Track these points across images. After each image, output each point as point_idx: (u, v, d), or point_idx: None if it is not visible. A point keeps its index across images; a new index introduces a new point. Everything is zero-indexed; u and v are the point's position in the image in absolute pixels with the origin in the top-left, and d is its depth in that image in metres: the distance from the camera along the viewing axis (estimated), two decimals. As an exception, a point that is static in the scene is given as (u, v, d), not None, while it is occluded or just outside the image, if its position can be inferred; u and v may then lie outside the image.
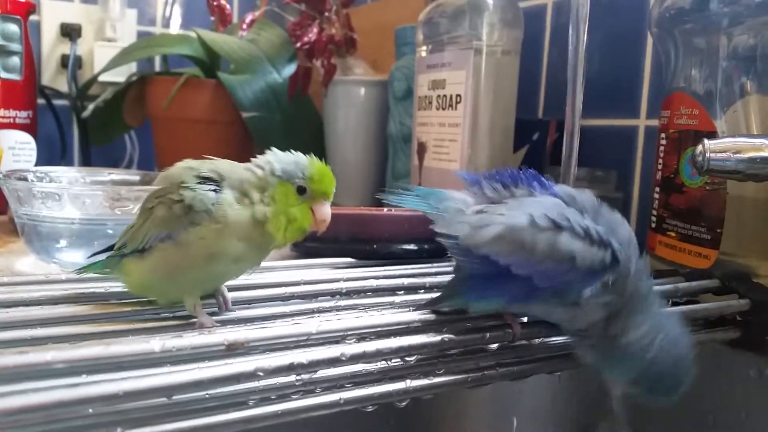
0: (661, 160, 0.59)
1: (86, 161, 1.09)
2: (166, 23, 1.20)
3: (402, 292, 0.47)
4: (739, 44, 0.54)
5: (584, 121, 0.75)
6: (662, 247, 0.58)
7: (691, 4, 0.55)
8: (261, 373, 0.28)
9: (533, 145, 0.78)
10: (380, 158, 0.93)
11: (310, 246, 0.62)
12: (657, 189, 0.60)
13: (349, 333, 0.32)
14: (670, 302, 0.44)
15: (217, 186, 0.34)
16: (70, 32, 1.10)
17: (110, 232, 0.56)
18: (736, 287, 0.45)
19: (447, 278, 0.49)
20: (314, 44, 0.86)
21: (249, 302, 0.42)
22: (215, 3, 0.80)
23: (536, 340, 0.37)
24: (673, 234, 0.57)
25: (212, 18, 0.92)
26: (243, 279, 0.46)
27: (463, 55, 0.69)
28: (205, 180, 0.34)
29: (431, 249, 0.57)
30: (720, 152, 0.46)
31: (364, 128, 0.94)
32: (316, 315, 0.37)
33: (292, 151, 0.36)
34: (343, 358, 0.30)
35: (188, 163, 0.36)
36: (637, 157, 0.70)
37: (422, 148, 0.76)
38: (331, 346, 0.30)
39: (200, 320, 0.34)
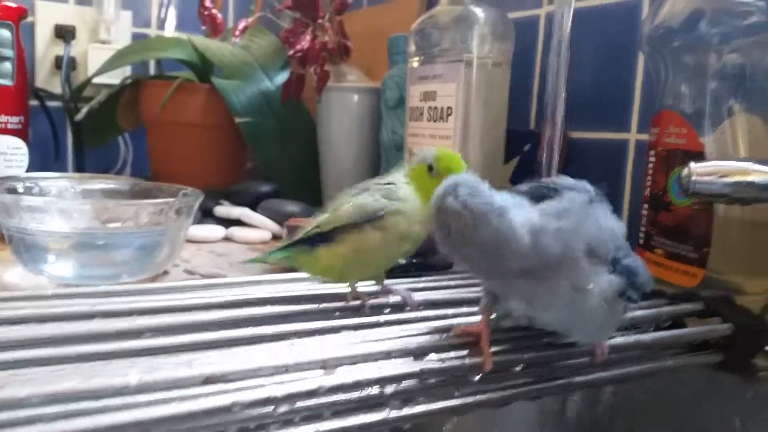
0: (649, 177, 0.60)
1: (80, 163, 1.09)
2: (161, 25, 1.20)
3: (388, 310, 0.47)
4: (728, 64, 0.54)
5: (575, 133, 0.75)
6: (650, 264, 0.58)
7: (681, 23, 0.56)
8: (237, 408, 0.28)
9: (524, 156, 0.78)
10: (374, 165, 0.94)
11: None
12: (645, 206, 0.60)
13: (328, 364, 0.32)
14: (653, 327, 0.44)
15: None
16: (64, 34, 1.10)
17: (100, 243, 0.57)
18: (720, 310, 0.45)
19: (434, 294, 0.49)
20: (307, 52, 0.86)
21: (236, 323, 0.43)
22: (206, 13, 0.80)
23: (516, 368, 0.37)
24: (660, 251, 0.57)
25: (203, 27, 0.91)
26: (231, 296, 0.46)
27: (453, 68, 0.69)
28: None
29: (420, 264, 0.57)
30: (705, 176, 0.46)
31: (358, 135, 0.94)
32: (295, 338, 0.37)
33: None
34: (321, 391, 0.30)
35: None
36: (627, 172, 0.70)
37: (413, 159, 0.76)
38: (309, 378, 0.31)
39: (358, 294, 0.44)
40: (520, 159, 0.78)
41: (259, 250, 0.74)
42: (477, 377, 0.36)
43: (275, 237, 0.80)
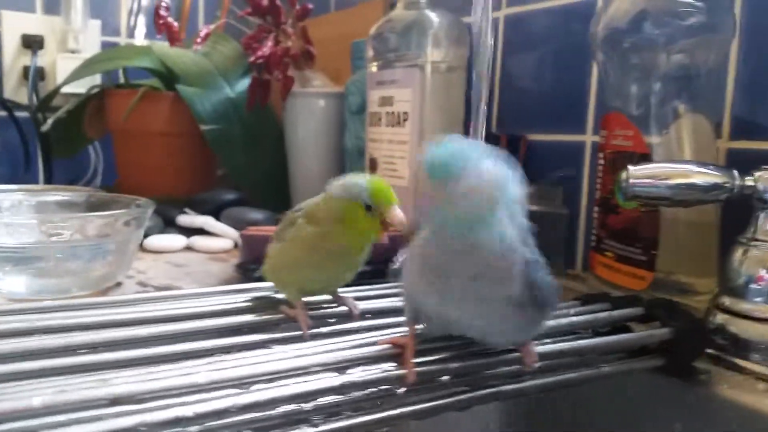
0: (599, 180, 0.59)
1: (49, 174, 1.08)
2: (131, 33, 1.20)
3: (333, 320, 0.47)
4: (673, 65, 0.54)
5: (532, 135, 0.75)
6: (601, 267, 0.59)
7: (627, 24, 0.56)
8: (144, 429, 0.28)
9: (485, 159, 0.78)
10: (340, 169, 0.93)
11: (254, 268, 0.62)
12: (596, 208, 0.60)
13: (243, 382, 0.32)
14: (591, 331, 0.44)
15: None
16: (32, 44, 1.09)
17: (47, 257, 0.56)
18: (660, 315, 0.45)
19: (384, 303, 0.49)
20: (269, 58, 0.86)
21: (171, 338, 0.42)
22: (161, 21, 0.79)
23: (443, 378, 0.37)
24: (610, 254, 0.57)
25: (158, 36, 0.91)
26: (174, 309, 0.46)
27: (409, 73, 0.69)
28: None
29: (368, 271, 0.57)
30: (643, 179, 0.46)
31: (324, 139, 0.94)
32: (222, 354, 0.36)
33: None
34: (233, 410, 0.30)
35: None
36: (585, 173, 0.70)
37: (374, 164, 0.76)
38: (222, 398, 0.30)
39: (296, 312, 0.43)
40: (481, 162, 0.78)
41: (219, 260, 0.74)
42: (402, 389, 0.35)
43: (237, 246, 0.80)
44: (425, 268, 0.35)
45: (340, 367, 0.35)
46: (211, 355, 0.37)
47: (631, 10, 0.56)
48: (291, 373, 0.33)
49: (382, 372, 0.35)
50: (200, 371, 0.32)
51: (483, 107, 0.39)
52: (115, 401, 0.29)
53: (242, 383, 0.32)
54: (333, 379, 0.33)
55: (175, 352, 0.38)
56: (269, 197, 0.97)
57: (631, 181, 0.46)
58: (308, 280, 0.44)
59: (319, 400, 0.33)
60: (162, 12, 0.78)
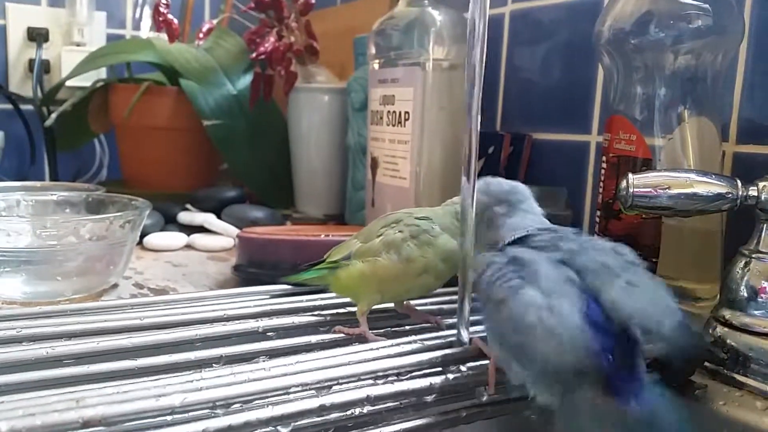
0: (602, 184, 0.58)
1: (53, 168, 1.08)
2: (137, 25, 1.19)
3: (325, 328, 0.47)
4: (679, 68, 0.53)
5: (537, 135, 0.74)
6: (602, 274, 0.57)
7: (631, 25, 0.54)
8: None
9: (489, 158, 0.77)
10: (344, 166, 0.92)
11: (251, 271, 0.62)
12: (598, 212, 0.59)
13: (219, 403, 0.31)
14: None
15: (431, 222, 0.44)
16: (37, 37, 1.09)
17: (41, 261, 0.56)
18: (657, 329, 0.43)
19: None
20: (271, 53, 0.85)
21: (157, 348, 0.42)
22: (161, 18, 0.79)
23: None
24: (611, 261, 0.56)
25: (157, 34, 0.90)
26: (165, 316, 0.46)
27: (411, 72, 0.68)
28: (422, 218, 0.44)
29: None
30: (644, 188, 0.45)
31: (328, 136, 0.93)
32: (207, 368, 0.36)
33: None
34: (206, 435, 0.29)
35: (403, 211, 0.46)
36: (589, 174, 0.69)
37: (375, 163, 0.75)
38: (193, 421, 0.30)
39: (362, 329, 0.44)
40: (485, 162, 0.77)
41: (219, 259, 0.73)
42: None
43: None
44: None
45: (317, 388, 0.34)
46: (193, 368, 0.36)
47: (635, 10, 0.54)
48: (270, 396, 0.32)
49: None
50: (175, 392, 0.31)
51: (476, 108, 0.38)
52: (86, 424, 0.28)
53: (217, 405, 0.31)
54: (310, 402, 0.33)
55: (157, 365, 0.37)
56: (272, 193, 0.97)
57: (631, 190, 0.44)
58: (404, 291, 0.45)
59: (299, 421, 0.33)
60: (162, 9, 0.77)
